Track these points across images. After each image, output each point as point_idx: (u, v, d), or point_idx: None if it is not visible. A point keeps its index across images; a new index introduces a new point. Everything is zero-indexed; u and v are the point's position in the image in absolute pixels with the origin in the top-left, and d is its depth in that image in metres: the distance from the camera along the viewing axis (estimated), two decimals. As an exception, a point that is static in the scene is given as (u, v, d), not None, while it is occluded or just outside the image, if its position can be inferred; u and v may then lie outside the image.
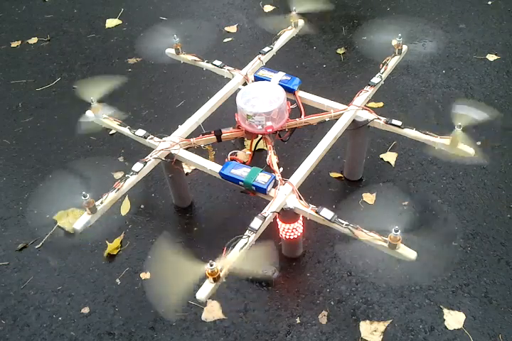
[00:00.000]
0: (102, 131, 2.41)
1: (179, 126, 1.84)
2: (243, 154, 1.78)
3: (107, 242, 2.01)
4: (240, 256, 1.42)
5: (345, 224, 1.48)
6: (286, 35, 2.16)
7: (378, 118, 1.80)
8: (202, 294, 1.35)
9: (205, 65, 2.07)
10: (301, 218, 1.68)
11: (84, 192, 1.49)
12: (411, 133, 1.74)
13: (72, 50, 3.01)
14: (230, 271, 1.39)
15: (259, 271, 1.81)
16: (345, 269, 1.87)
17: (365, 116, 1.82)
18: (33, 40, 3.10)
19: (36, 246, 2.02)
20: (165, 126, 2.31)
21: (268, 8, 3.17)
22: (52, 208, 2.11)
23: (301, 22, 2.20)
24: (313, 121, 1.84)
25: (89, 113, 1.89)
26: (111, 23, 3.18)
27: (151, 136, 1.80)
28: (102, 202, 1.57)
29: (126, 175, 1.65)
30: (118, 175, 2.23)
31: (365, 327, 1.71)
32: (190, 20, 3.13)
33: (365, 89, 1.90)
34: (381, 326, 1.71)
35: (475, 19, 2.96)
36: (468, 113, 1.72)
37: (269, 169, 1.68)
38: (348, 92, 2.53)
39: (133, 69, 2.85)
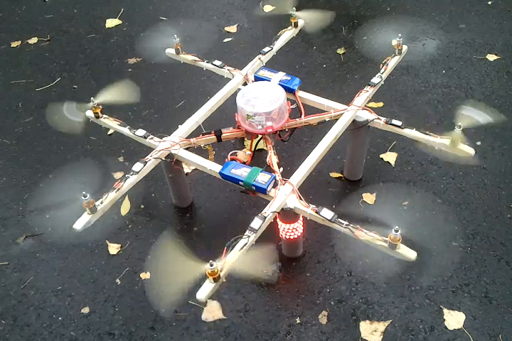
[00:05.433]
0: (101, 131, 2.41)
1: (179, 126, 1.84)
2: (243, 154, 1.78)
3: (107, 242, 2.01)
4: (240, 256, 1.42)
5: (345, 224, 1.48)
6: (286, 35, 2.16)
7: (378, 118, 1.80)
8: (202, 294, 1.35)
9: (205, 65, 2.07)
10: (301, 218, 1.68)
11: (84, 192, 1.49)
12: (411, 133, 1.74)
13: (72, 50, 3.01)
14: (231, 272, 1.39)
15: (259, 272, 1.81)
16: (345, 269, 1.87)
17: (365, 116, 1.82)
18: (33, 40, 3.10)
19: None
20: (165, 126, 2.30)
21: (268, 8, 3.17)
22: (52, 208, 2.11)
23: (301, 22, 2.20)
24: (313, 121, 1.84)
25: (89, 113, 1.89)
26: (111, 23, 3.18)
27: (151, 136, 1.80)
28: (102, 202, 1.57)
29: (126, 175, 1.65)
30: (118, 175, 2.23)
31: (365, 327, 1.71)
32: (190, 20, 3.13)
33: (365, 89, 1.90)
34: (381, 326, 1.71)
35: (475, 19, 2.96)
36: (472, 115, 1.72)
37: (269, 169, 1.68)
38: (348, 92, 2.53)
39: (133, 69, 2.85)
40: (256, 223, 1.48)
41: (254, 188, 1.58)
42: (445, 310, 1.73)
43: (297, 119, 1.83)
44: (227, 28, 3.05)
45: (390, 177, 2.17)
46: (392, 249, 1.42)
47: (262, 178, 1.58)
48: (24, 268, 1.97)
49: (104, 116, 1.88)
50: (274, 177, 1.60)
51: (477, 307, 1.74)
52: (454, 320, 1.71)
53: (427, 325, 1.71)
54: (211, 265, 1.33)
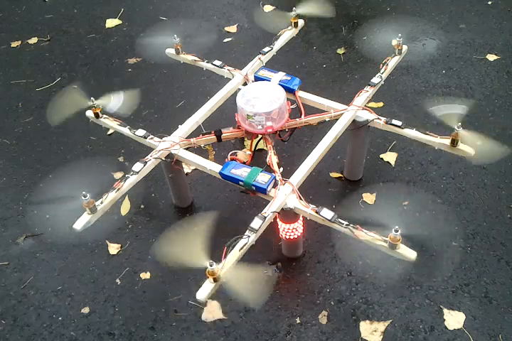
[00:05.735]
0: (101, 131, 2.41)
1: (179, 126, 1.84)
2: (243, 154, 1.78)
3: (107, 242, 2.01)
4: (239, 256, 1.42)
5: (345, 224, 1.48)
6: (286, 35, 2.16)
7: (378, 119, 1.80)
8: (202, 294, 1.35)
9: (205, 65, 2.07)
10: (301, 218, 1.68)
11: (84, 192, 1.49)
12: (411, 133, 1.74)
13: (72, 50, 3.01)
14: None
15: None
16: (345, 269, 1.87)
17: (365, 116, 1.82)
18: (33, 40, 3.10)
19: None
20: (165, 126, 2.30)
21: (268, 8, 3.17)
22: (52, 208, 2.11)
23: (301, 22, 2.20)
24: (313, 121, 1.84)
25: (89, 113, 1.89)
26: (111, 23, 3.18)
27: (151, 136, 1.80)
28: (102, 202, 1.57)
29: (126, 175, 1.65)
30: (118, 175, 2.23)
31: (365, 327, 1.71)
32: (190, 20, 3.13)
33: (365, 89, 1.90)
34: (381, 326, 1.71)
35: (475, 19, 2.96)
36: (448, 111, 1.74)
37: (269, 169, 1.68)
38: (348, 92, 2.53)
39: (133, 69, 2.85)
40: (256, 223, 1.48)
41: (254, 188, 1.58)
42: (445, 310, 1.73)
43: (297, 119, 1.83)
44: (227, 28, 3.05)
45: (390, 177, 2.17)
46: (392, 248, 1.41)
47: (262, 178, 1.58)
48: (24, 268, 1.97)
49: (104, 116, 1.88)
50: (274, 177, 1.60)
51: (477, 307, 1.74)
52: (454, 320, 1.71)
53: (427, 325, 1.71)
54: (211, 265, 1.33)
